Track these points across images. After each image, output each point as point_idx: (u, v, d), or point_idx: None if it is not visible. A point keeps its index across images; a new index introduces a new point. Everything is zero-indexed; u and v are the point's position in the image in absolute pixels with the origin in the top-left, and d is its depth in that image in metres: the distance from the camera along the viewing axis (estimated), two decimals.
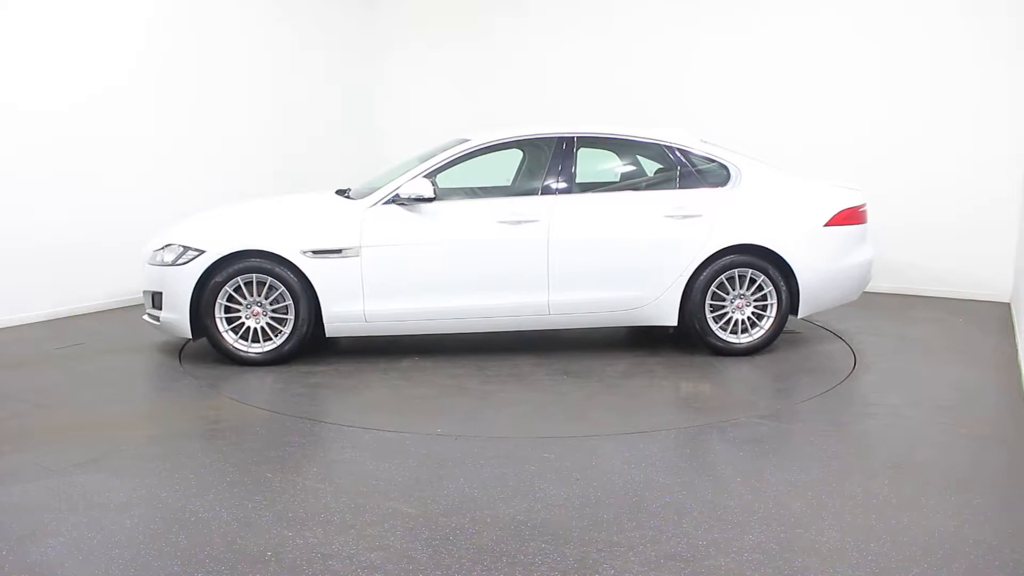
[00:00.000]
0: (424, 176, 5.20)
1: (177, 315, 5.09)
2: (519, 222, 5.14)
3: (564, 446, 3.81)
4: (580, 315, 5.28)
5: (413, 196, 5.11)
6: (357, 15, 9.52)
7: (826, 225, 5.31)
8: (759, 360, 5.25)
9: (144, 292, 5.36)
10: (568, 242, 5.15)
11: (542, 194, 5.27)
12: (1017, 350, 5.47)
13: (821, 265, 5.31)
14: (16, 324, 6.25)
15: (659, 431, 4.03)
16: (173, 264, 5.09)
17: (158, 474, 3.49)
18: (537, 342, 5.72)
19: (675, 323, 5.28)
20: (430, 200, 5.13)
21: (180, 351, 5.56)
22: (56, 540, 2.90)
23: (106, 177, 6.84)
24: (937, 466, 3.61)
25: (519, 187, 5.64)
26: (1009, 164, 6.99)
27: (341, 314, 5.13)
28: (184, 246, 5.10)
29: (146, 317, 5.39)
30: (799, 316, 5.36)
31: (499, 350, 5.54)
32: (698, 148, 5.44)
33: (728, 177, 5.37)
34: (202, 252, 5.03)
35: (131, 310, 6.92)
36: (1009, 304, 6.95)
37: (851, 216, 5.39)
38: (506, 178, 5.85)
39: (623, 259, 5.20)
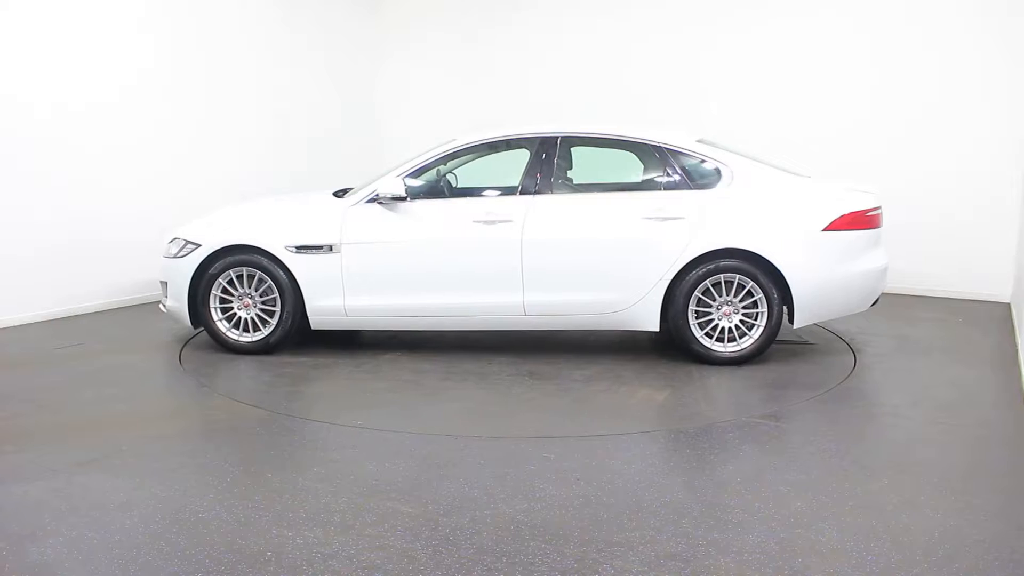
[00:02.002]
0: (401, 176, 5.31)
1: (178, 304, 5.45)
2: (493, 222, 5.15)
3: (564, 446, 3.81)
4: (556, 317, 5.22)
5: (388, 195, 5.24)
6: (358, 15, 9.51)
7: (825, 230, 4.98)
8: (758, 359, 5.23)
9: (160, 282, 5.67)
10: (541, 242, 5.10)
11: (520, 194, 5.25)
12: (1017, 350, 5.47)
13: (818, 272, 4.99)
14: (16, 324, 6.25)
15: (627, 434, 4.03)
16: (176, 256, 5.46)
17: (158, 474, 3.49)
18: (526, 343, 5.70)
19: (656, 329, 5.14)
20: (403, 199, 5.24)
21: (180, 351, 5.56)
22: (56, 540, 2.90)
23: (107, 177, 6.84)
24: (937, 466, 3.61)
25: (498, 187, 5.60)
26: (1009, 164, 6.99)
27: (323, 308, 5.32)
28: (185, 240, 5.46)
29: (160, 306, 5.73)
30: (795, 326, 5.10)
31: (482, 349, 5.56)
32: (689, 148, 5.23)
33: (719, 178, 5.14)
34: (199, 246, 5.38)
35: (131, 310, 6.93)
36: (1009, 304, 6.95)
37: (856, 221, 5.04)
38: (503, 178, 5.84)
39: (598, 261, 5.08)
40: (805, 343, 5.68)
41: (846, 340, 5.77)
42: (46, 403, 4.46)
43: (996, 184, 7.04)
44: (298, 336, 5.58)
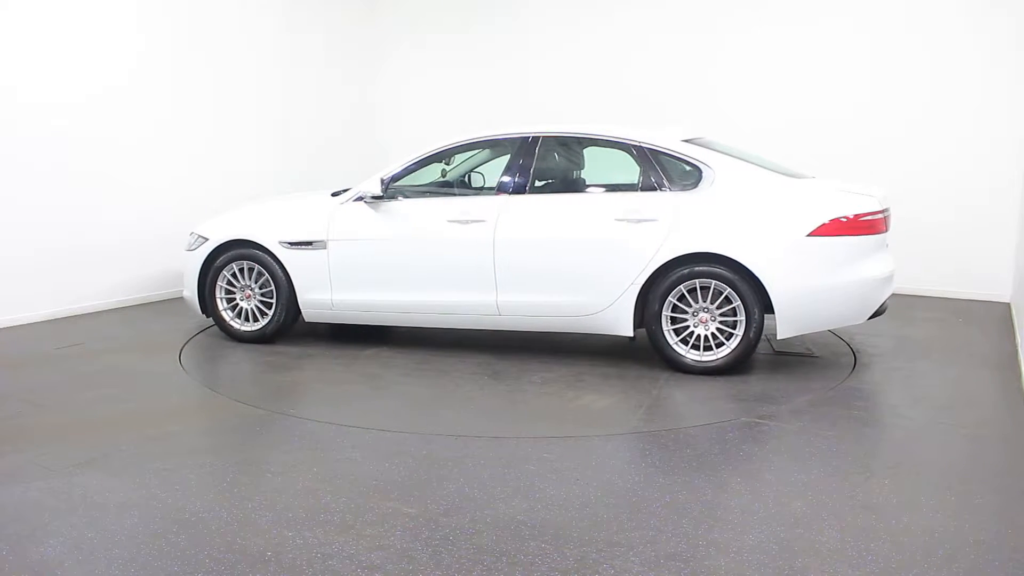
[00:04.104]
0: (383, 176, 5.42)
1: (191, 293, 5.83)
2: (468, 221, 5.17)
3: (564, 446, 3.81)
4: (529, 318, 5.18)
5: (369, 194, 5.40)
6: (358, 14, 9.49)
7: (811, 235, 4.66)
8: (756, 359, 5.22)
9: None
10: (513, 243, 5.08)
11: (497, 194, 5.26)
12: (1017, 350, 5.47)
13: (802, 280, 4.69)
14: (16, 324, 6.24)
15: (604, 436, 4.03)
16: (190, 249, 5.86)
17: (158, 474, 3.49)
18: (514, 343, 5.68)
19: (631, 334, 4.98)
20: (382, 198, 5.37)
21: (180, 351, 5.57)
22: (56, 540, 2.90)
23: (107, 178, 6.83)
24: (937, 466, 3.61)
25: (478, 187, 5.60)
26: (1009, 164, 6.99)
27: (313, 301, 5.55)
28: (197, 235, 5.84)
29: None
30: (779, 336, 4.80)
31: (466, 347, 5.61)
32: (672, 148, 5.02)
33: (699, 179, 4.90)
34: (207, 240, 5.74)
35: (131, 310, 6.93)
36: (1009, 304, 6.95)
37: (848, 226, 4.70)
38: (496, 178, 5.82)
39: (567, 262, 4.99)
40: (810, 355, 5.37)
41: (845, 340, 5.76)
42: (46, 403, 4.46)
43: (996, 184, 7.04)
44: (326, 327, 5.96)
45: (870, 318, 4.94)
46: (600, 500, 3.22)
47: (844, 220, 4.72)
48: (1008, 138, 6.97)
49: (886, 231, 4.94)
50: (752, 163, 5.06)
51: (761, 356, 5.32)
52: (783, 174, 5.04)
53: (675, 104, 8.18)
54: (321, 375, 5.07)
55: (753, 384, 4.77)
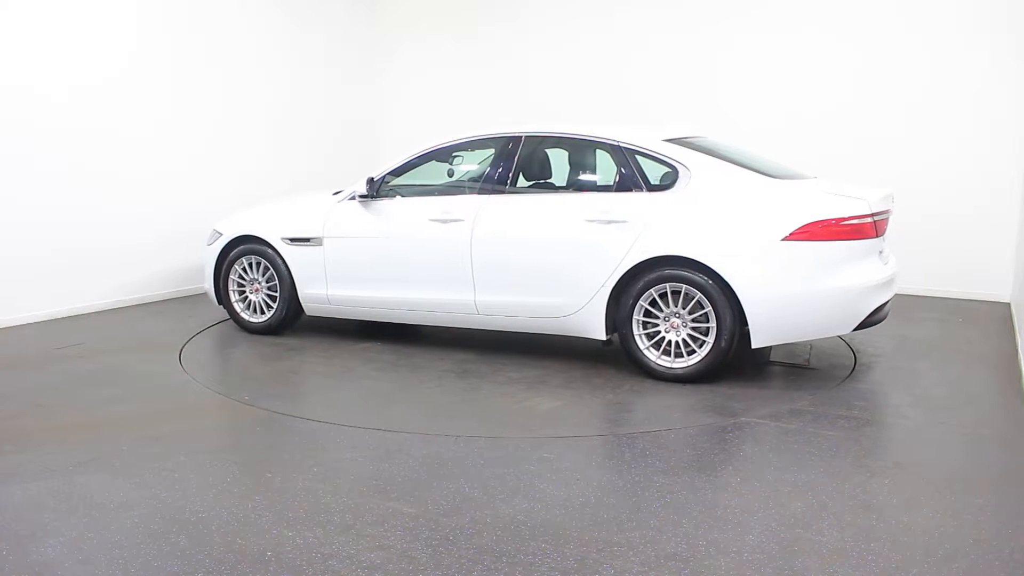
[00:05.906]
0: (374, 176, 5.55)
1: (209, 285, 6.15)
2: (448, 221, 5.22)
3: (564, 446, 3.81)
4: (507, 318, 5.17)
5: (359, 193, 5.58)
6: (359, 14, 9.49)
7: (786, 239, 4.42)
8: (755, 358, 5.22)
9: None
10: (488, 242, 5.09)
11: (479, 194, 5.27)
12: (1017, 350, 5.47)
13: (776, 287, 4.45)
14: (16, 324, 6.24)
15: (592, 437, 4.03)
16: (208, 244, 6.18)
17: (158, 474, 3.49)
18: (510, 343, 5.67)
19: (603, 337, 4.88)
20: (367, 197, 5.54)
21: (180, 351, 5.57)
22: (56, 540, 2.91)
23: (108, 177, 6.83)
24: (937, 466, 3.61)
25: (463, 187, 5.60)
26: (1009, 163, 6.98)
27: (312, 296, 5.76)
28: (215, 230, 6.17)
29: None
30: (753, 346, 4.57)
31: (454, 345, 5.66)
32: (650, 147, 4.88)
33: (675, 180, 4.76)
34: (221, 235, 6.06)
35: (131, 310, 6.93)
36: (1009, 304, 6.95)
37: (829, 230, 4.42)
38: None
39: (539, 263, 4.97)
40: (807, 367, 5.12)
41: (846, 340, 5.76)
42: (46, 403, 4.46)
43: (996, 184, 7.04)
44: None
45: (862, 327, 4.61)
46: (600, 500, 3.22)
47: (824, 224, 4.43)
48: (1008, 138, 6.97)
49: (878, 235, 4.64)
50: (737, 163, 4.85)
51: (758, 361, 5.33)
52: (771, 175, 4.82)
53: (676, 104, 8.18)
54: (300, 367, 5.27)
55: (728, 388, 4.72)
